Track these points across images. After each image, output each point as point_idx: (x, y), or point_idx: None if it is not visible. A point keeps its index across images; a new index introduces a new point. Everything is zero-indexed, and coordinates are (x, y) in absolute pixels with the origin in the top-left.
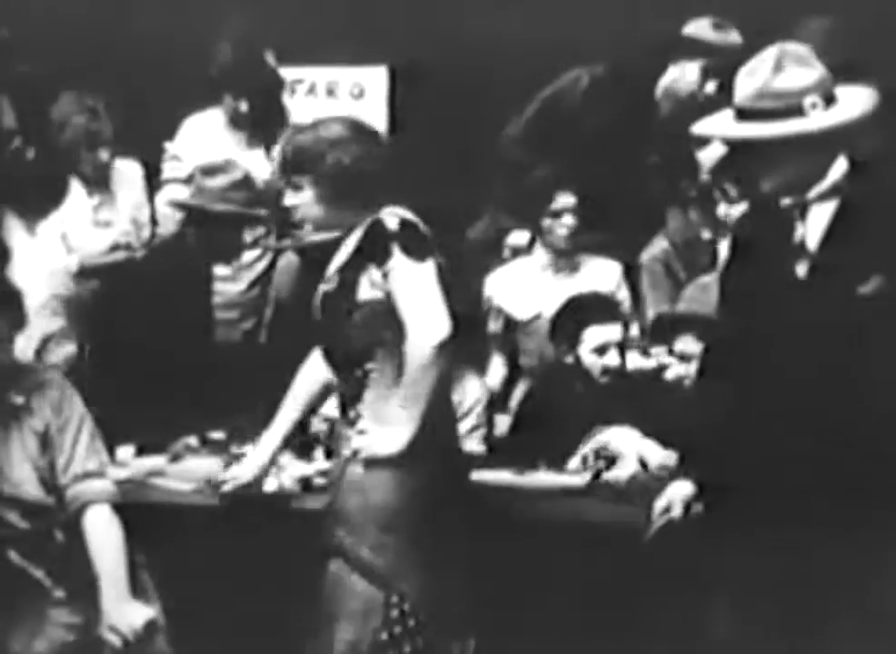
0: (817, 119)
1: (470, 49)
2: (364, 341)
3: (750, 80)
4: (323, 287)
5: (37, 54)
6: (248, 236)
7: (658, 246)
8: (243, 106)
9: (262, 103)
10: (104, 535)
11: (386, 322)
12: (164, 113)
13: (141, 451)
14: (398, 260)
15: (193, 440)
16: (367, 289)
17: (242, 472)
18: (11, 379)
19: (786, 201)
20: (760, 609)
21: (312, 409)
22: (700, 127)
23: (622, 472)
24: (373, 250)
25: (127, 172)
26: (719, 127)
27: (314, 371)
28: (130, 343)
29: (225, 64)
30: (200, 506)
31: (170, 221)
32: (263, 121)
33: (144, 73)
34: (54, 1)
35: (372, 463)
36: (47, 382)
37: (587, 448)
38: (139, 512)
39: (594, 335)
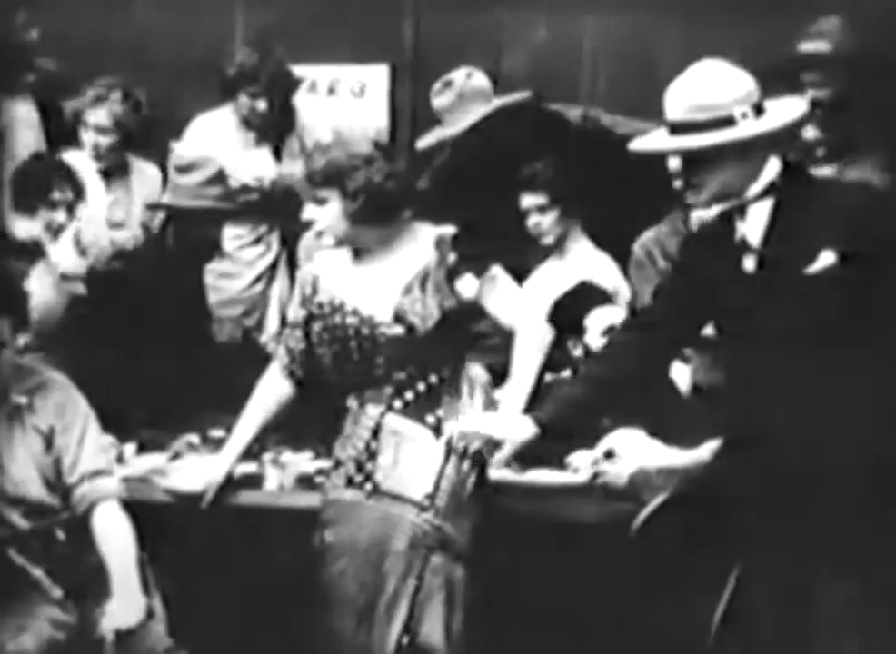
0: (747, 127)
1: (471, 48)
2: (437, 349)
3: (680, 95)
4: (405, 300)
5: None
6: (252, 234)
7: (647, 235)
8: (261, 106)
9: (279, 103)
10: (114, 531)
11: (465, 326)
12: (171, 115)
13: (142, 449)
14: (497, 266)
15: (194, 438)
16: (448, 297)
17: (193, 482)
18: (14, 379)
19: (725, 204)
20: (755, 605)
21: (269, 422)
22: (636, 144)
23: (621, 471)
24: (467, 260)
25: (148, 174)
26: (654, 142)
27: (274, 385)
28: (131, 341)
29: (246, 63)
30: (199, 504)
31: None
32: (276, 121)
33: (150, 74)
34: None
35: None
36: (50, 383)
37: (596, 450)
38: (140, 510)
39: (598, 319)
